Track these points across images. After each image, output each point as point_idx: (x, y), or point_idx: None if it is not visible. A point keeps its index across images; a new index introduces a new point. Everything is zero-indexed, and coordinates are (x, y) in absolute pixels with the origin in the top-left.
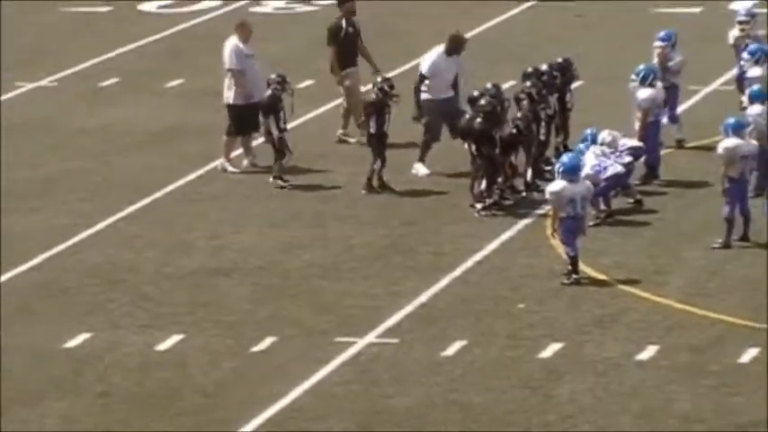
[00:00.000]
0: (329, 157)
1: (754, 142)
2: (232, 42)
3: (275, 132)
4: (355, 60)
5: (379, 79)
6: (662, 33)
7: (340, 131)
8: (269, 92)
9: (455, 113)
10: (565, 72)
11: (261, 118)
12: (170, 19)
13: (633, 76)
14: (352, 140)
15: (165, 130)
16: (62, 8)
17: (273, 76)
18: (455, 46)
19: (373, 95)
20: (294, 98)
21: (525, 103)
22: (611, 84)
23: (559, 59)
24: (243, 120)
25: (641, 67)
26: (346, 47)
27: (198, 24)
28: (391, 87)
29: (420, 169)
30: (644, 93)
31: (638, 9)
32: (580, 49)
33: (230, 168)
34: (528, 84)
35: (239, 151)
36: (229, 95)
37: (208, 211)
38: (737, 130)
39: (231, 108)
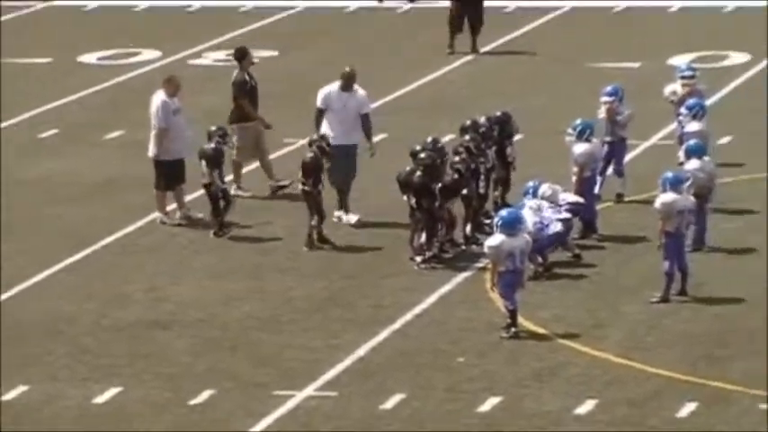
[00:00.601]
0: (269, 209)
1: (692, 197)
2: (159, 98)
3: (219, 184)
4: (256, 111)
5: (315, 136)
6: (609, 88)
7: (270, 182)
8: (212, 144)
9: (350, 164)
10: (504, 125)
11: (204, 169)
12: (110, 71)
13: (570, 131)
14: (287, 182)
15: (104, 182)
16: (2, 59)
17: (214, 128)
18: (344, 81)
19: (311, 154)
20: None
21: (464, 156)
22: (551, 138)
23: (498, 113)
24: (169, 174)
25: (578, 121)
26: (251, 100)
27: (138, 76)
28: (328, 145)
29: (344, 217)
30: (580, 147)
31: (577, 63)
32: (519, 103)
33: (167, 221)
34: (466, 137)
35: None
36: (155, 150)
37: (146, 262)
38: (675, 184)
39: (157, 163)
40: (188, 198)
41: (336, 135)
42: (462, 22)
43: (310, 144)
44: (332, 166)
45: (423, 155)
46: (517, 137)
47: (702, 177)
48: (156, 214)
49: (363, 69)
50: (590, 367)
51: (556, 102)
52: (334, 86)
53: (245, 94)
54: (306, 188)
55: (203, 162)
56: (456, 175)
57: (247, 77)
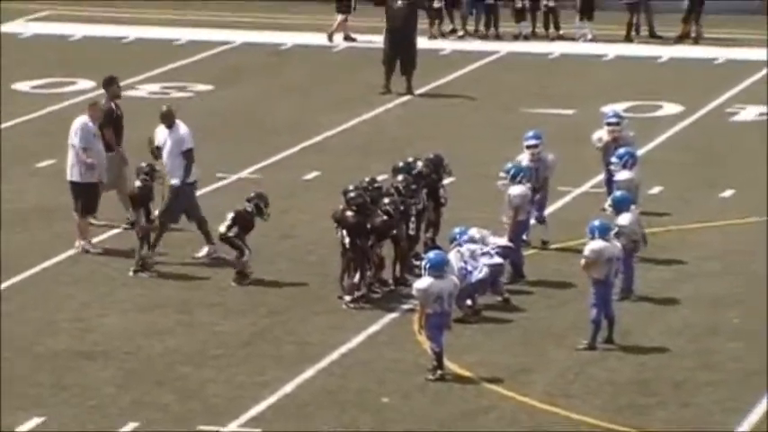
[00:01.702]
0: (198, 243)
1: (619, 245)
2: (81, 120)
3: (143, 223)
4: (121, 142)
5: (252, 194)
6: (532, 133)
7: (127, 215)
8: (138, 182)
9: (185, 203)
10: (437, 167)
11: (131, 209)
12: (44, 99)
13: (502, 174)
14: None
15: (34, 210)
16: None
17: (143, 164)
18: (162, 120)
19: (248, 209)
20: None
21: (394, 197)
22: (482, 182)
23: (431, 155)
24: (91, 198)
25: (510, 164)
26: (116, 129)
27: (71, 105)
28: (266, 205)
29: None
30: (516, 189)
31: (511, 108)
32: (452, 146)
33: (92, 249)
34: (399, 178)
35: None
36: (74, 173)
37: (74, 293)
38: (603, 232)
39: (78, 186)
40: (106, 235)
41: (170, 169)
42: (395, 62)
43: (249, 201)
44: (169, 204)
45: (353, 193)
46: (449, 180)
47: (637, 230)
48: (80, 242)
49: (298, 107)
50: (515, 412)
51: (489, 146)
52: (161, 126)
53: (111, 122)
54: (226, 233)
55: (129, 200)
56: (385, 216)
57: (113, 106)
